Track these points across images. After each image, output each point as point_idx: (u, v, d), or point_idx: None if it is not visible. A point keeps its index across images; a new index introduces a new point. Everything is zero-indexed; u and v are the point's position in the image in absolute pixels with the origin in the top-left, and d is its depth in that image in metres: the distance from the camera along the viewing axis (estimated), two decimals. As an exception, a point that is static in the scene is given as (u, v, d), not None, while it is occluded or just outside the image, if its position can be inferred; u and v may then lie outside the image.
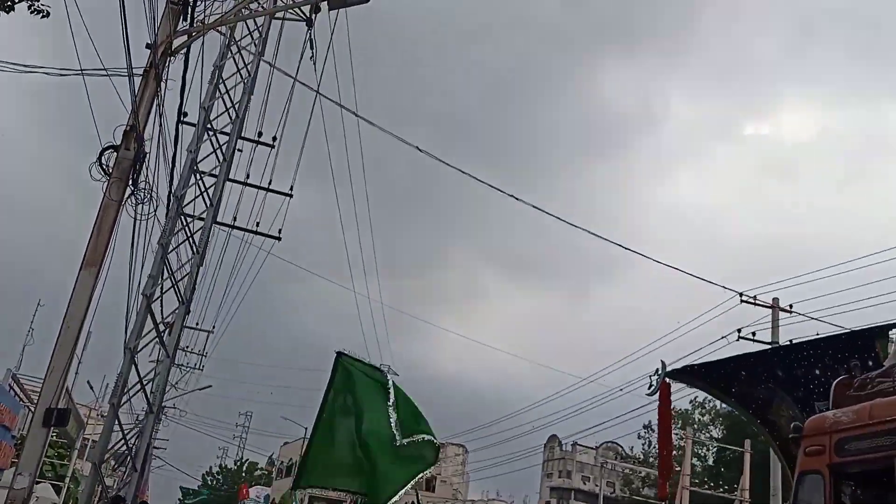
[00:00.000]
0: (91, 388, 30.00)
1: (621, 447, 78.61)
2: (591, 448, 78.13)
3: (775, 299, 21.00)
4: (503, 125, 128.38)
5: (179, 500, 60.51)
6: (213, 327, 28.80)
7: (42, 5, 8.03)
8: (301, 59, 15.28)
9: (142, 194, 7.25)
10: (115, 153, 7.24)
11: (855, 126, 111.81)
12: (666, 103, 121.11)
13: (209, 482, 71.32)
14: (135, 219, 7.36)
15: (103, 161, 7.22)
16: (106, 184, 7.16)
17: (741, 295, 21.03)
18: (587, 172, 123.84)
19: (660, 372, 7.98)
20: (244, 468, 75.47)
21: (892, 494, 4.55)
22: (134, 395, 13.82)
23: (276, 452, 68.73)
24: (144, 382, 13.40)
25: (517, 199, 12.48)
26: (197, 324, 27.48)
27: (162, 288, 14.00)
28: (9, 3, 7.50)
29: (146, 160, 7.33)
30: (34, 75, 7.13)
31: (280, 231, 15.42)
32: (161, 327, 14.03)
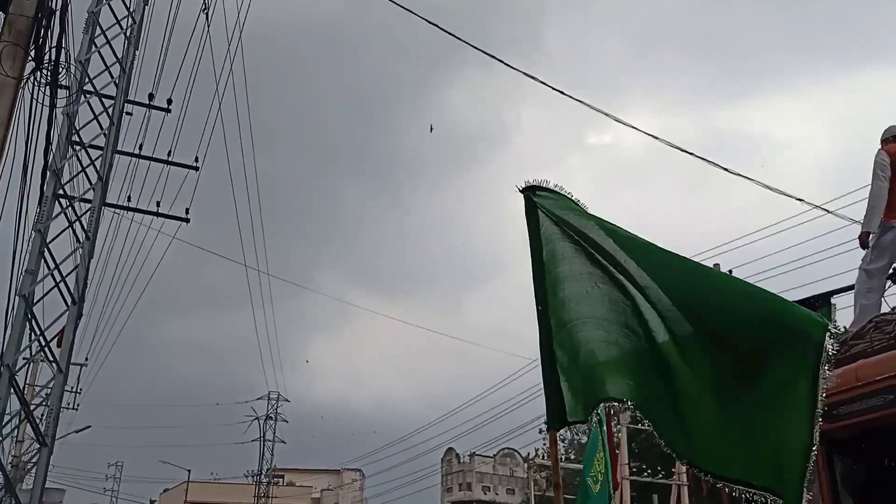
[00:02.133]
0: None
1: (518, 452, 78.29)
2: (489, 457, 77.11)
3: (715, 264, 20.09)
4: (368, 142, 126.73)
5: None
6: (87, 359, 24.93)
7: None
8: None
9: (48, 69, 4.67)
10: (3, 11, 4.63)
11: (691, 130, 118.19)
12: (518, 117, 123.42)
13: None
14: (44, 104, 4.72)
15: (-16, 22, 4.59)
16: (-7, 54, 4.53)
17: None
18: (452, 187, 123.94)
19: None
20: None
21: (889, 454, 4.67)
22: (14, 429, 10.69)
23: (156, 500, 62.84)
24: (31, 408, 10.31)
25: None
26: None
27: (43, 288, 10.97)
28: None
29: (52, 23, 4.77)
30: None
31: (188, 211, 12.67)
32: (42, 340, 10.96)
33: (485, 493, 77.76)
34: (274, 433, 51.33)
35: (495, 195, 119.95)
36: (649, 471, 32.65)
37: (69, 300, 10.89)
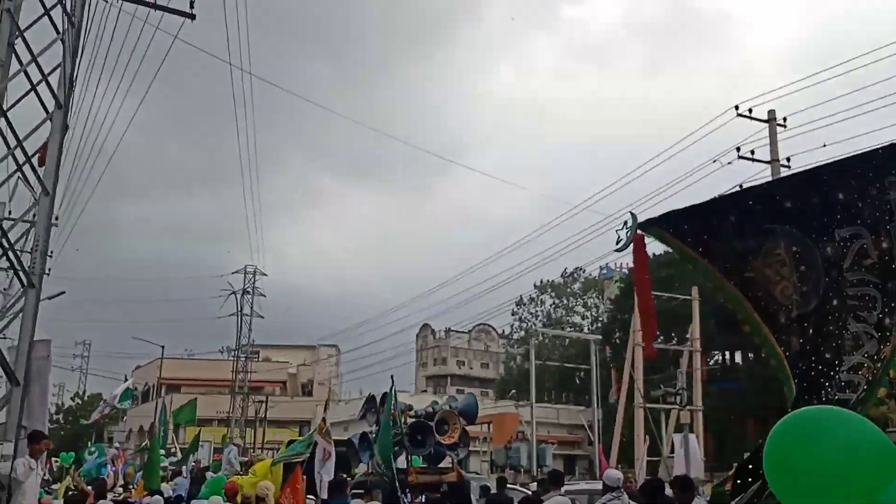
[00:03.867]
0: None
1: (493, 328, 78.26)
2: (464, 332, 77.11)
3: (771, 111, 18.02)
4: (338, 19, 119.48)
5: None
6: (57, 217, 22.33)
7: None
8: None
9: None
10: None
11: (660, 6, 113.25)
12: None
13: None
14: None
15: None
16: None
17: (736, 108, 17.89)
18: (417, 66, 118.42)
19: (629, 224, 6.72)
20: (84, 401, 68.01)
21: None
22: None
23: (128, 377, 61.58)
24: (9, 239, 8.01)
25: None
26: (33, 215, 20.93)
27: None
28: None
29: None
30: None
31: (192, 5, 9.98)
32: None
33: (459, 368, 78.30)
34: (251, 307, 49.57)
35: (463, 73, 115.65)
36: (662, 336, 31.79)
37: (52, 104, 8.39)
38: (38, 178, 8.17)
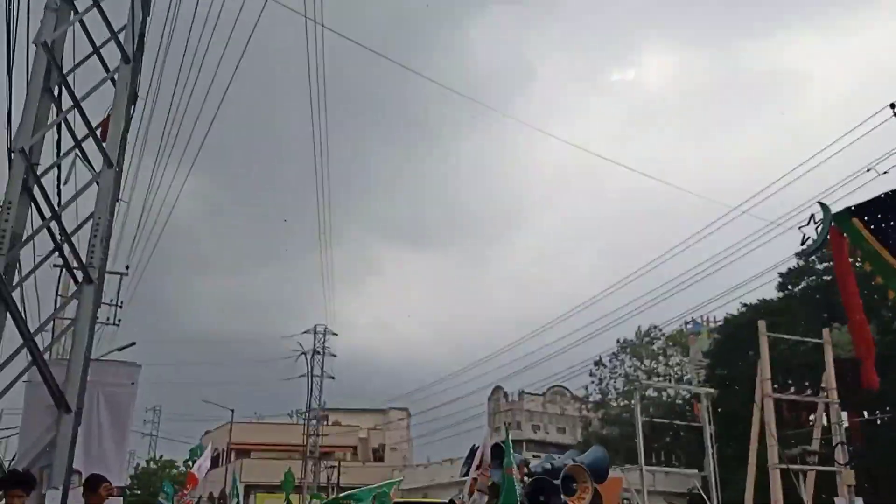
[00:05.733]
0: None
1: (568, 390, 74.62)
2: (538, 394, 73.73)
3: (928, 111, 15.67)
4: (390, 89, 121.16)
5: None
6: (127, 267, 21.20)
7: None
8: None
9: None
10: None
11: (711, 66, 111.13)
12: (540, 56, 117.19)
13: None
14: None
15: None
16: None
17: (892, 106, 15.55)
18: (473, 132, 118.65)
19: (819, 218, 5.60)
20: (158, 464, 66.88)
21: None
22: (45, 259, 6.71)
23: (201, 445, 60.23)
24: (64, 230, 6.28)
25: None
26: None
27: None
28: None
29: None
30: None
31: None
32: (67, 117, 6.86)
33: (535, 432, 74.64)
34: (322, 368, 47.97)
35: (517, 141, 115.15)
36: (794, 387, 28.63)
37: (119, 59, 6.77)
38: (102, 149, 6.48)
